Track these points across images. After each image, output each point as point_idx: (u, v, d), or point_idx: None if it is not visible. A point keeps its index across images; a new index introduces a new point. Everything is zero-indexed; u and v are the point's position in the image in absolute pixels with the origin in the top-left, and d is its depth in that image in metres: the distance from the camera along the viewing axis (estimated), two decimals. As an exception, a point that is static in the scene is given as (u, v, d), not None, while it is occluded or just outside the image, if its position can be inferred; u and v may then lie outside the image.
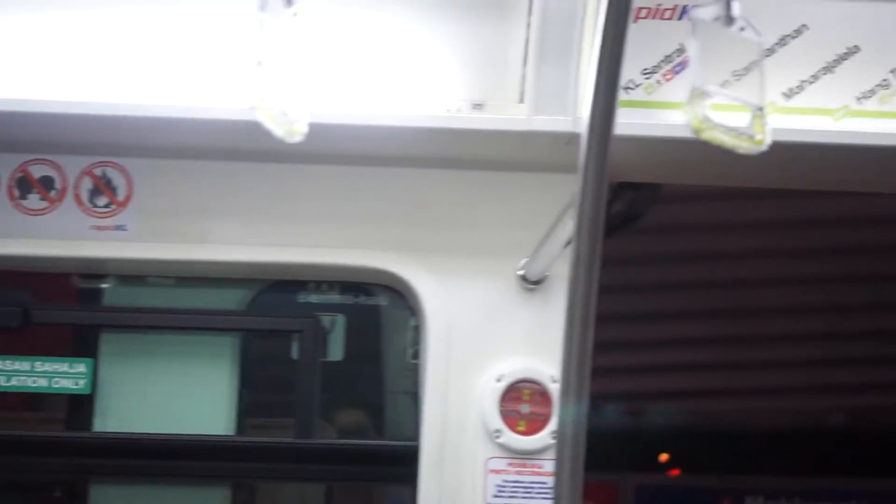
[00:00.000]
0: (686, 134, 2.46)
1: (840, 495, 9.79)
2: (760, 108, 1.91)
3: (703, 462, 9.90)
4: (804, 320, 8.71)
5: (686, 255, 8.03)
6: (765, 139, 1.90)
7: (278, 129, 1.83)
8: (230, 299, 2.96)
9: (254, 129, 1.83)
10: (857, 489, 9.85)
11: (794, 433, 9.72)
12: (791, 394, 9.56)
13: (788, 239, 7.95)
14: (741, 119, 1.92)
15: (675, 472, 10.33)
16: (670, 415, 9.63)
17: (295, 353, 2.92)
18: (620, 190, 6.31)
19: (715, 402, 9.64)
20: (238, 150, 2.71)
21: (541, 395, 2.78)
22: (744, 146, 1.89)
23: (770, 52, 2.58)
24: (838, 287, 8.39)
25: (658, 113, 2.57)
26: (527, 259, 2.76)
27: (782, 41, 2.58)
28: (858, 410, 9.67)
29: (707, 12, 1.88)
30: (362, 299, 3.02)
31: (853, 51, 2.61)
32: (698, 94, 1.83)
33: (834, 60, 2.61)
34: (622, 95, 2.56)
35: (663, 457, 10.43)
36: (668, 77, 2.57)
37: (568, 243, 2.33)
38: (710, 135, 1.85)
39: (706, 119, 1.85)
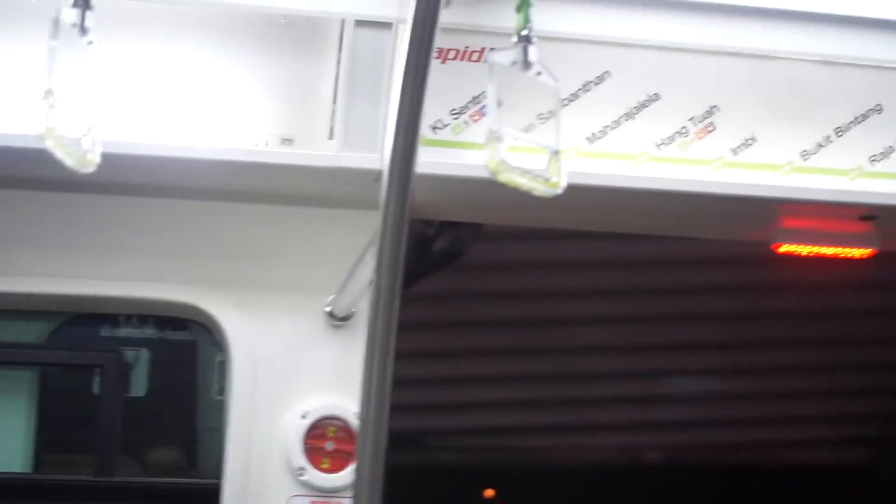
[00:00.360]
0: (486, 174, 2.51)
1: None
2: (556, 152, 1.95)
3: (528, 499, 9.99)
4: (623, 358, 8.91)
5: (508, 293, 8.13)
6: (560, 182, 1.95)
7: (69, 159, 1.79)
8: (28, 332, 2.88)
9: (46, 158, 1.79)
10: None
11: (615, 469, 9.90)
12: (611, 430, 9.74)
13: (608, 278, 8.12)
14: (538, 162, 1.96)
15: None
16: (495, 451, 9.70)
17: (96, 387, 2.85)
18: (443, 228, 6.40)
19: (539, 439, 9.75)
20: (36, 179, 2.63)
21: (346, 432, 2.77)
22: (539, 188, 1.92)
23: (574, 97, 2.64)
24: (656, 326, 8.62)
25: (465, 153, 2.60)
26: (334, 296, 2.76)
27: (586, 87, 2.64)
28: (675, 447, 9.90)
29: (504, 56, 1.92)
30: (168, 334, 2.97)
31: (654, 98, 2.68)
32: (494, 136, 1.86)
33: (635, 107, 2.68)
34: (430, 135, 2.60)
35: (488, 492, 10.49)
36: (476, 118, 2.60)
37: (371, 282, 2.35)
38: (506, 177, 1.88)
39: (503, 161, 1.88)
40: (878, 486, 10.15)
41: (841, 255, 3.04)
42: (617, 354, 8.82)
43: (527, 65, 1.93)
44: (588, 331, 8.58)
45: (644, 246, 7.59)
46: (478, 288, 8.06)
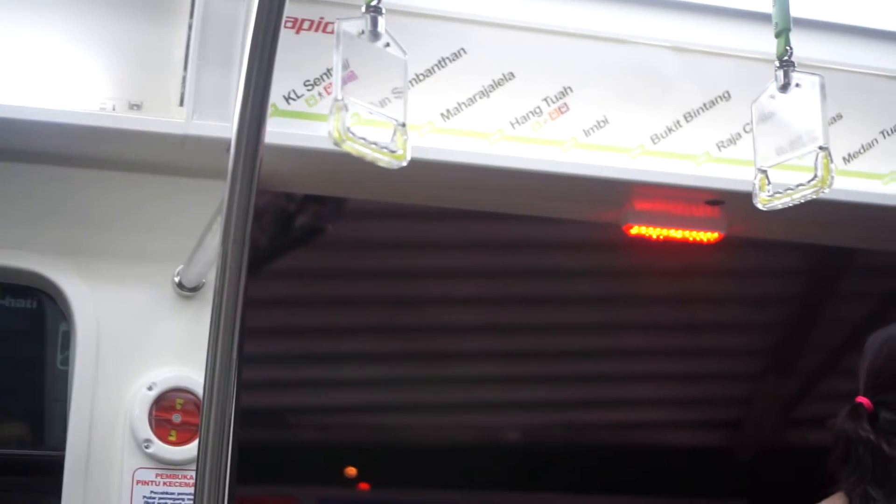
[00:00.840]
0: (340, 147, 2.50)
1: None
2: (402, 125, 1.95)
3: (388, 476, 10.03)
4: (482, 338, 8.97)
5: (369, 271, 8.13)
6: (405, 154, 1.94)
7: None
8: None
9: None
10: (526, 501, 10.21)
11: (475, 448, 9.98)
12: (472, 410, 9.81)
13: (467, 258, 8.17)
14: (384, 133, 1.96)
15: (362, 486, 10.41)
16: (356, 429, 9.70)
17: (-69, 357, 2.77)
18: (305, 203, 6.36)
19: (399, 418, 9.78)
20: None
21: (194, 404, 2.73)
22: (383, 160, 1.92)
23: (430, 73, 2.64)
24: (516, 307, 8.70)
25: (318, 125, 2.58)
26: (182, 266, 2.71)
27: (441, 63, 2.65)
28: (534, 427, 10.03)
29: (352, 25, 1.91)
30: (11, 302, 2.89)
31: (509, 77, 2.71)
32: (339, 105, 1.85)
33: (490, 85, 2.70)
34: (284, 105, 2.58)
35: (350, 471, 10.48)
36: (330, 90, 2.57)
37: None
38: (350, 146, 1.87)
39: (348, 130, 1.87)
40: (733, 467, 10.43)
41: (690, 239, 3.10)
42: (476, 335, 8.89)
43: (375, 35, 1.92)
44: (448, 310, 8.63)
45: (504, 226, 7.66)
46: (340, 265, 8.04)
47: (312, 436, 9.56)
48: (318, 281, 8.13)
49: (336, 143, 1.86)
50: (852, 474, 2.50)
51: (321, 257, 7.89)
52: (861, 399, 2.54)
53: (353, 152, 1.86)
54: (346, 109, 1.85)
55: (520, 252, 8.14)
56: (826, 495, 2.51)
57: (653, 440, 10.29)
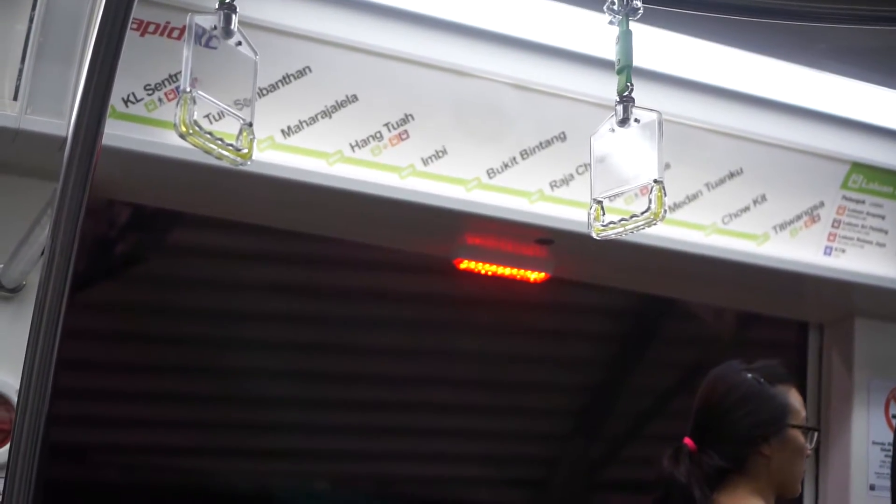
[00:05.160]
0: (176, 155, 2.47)
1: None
2: (249, 124, 1.93)
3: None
4: (297, 385, 8.88)
5: (182, 310, 7.97)
6: (250, 154, 1.92)
7: None
8: None
9: None
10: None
11: (286, 495, 9.86)
12: (282, 457, 9.68)
13: (286, 304, 8.10)
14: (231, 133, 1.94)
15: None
16: (156, 470, 9.45)
17: None
18: (125, 232, 6.23)
19: (206, 461, 9.58)
20: None
21: (6, 409, 2.63)
22: (229, 157, 1.89)
23: (273, 88, 2.63)
24: (332, 355, 8.66)
25: (156, 130, 2.54)
26: (2, 265, 2.62)
27: (286, 80, 2.64)
28: (341, 476, 9.96)
29: (205, 20, 1.88)
30: None
31: (352, 100, 2.71)
32: (187, 98, 1.82)
33: (333, 106, 2.70)
34: (122, 108, 2.53)
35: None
36: (171, 97, 2.55)
37: (43, 252, 2.24)
38: (195, 140, 1.84)
39: (195, 124, 1.84)
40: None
41: (518, 277, 3.15)
42: (287, 380, 8.78)
43: (227, 32, 1.90)
44: (259, 355, 8.52)
45: (323, 273, 7.64)
46: (152, 301, 7.86)
47: (114, 476, 9.27)
48: (125, 315, 7.93)
49: (181, 136, 1.82)
50: (667, 516, 2.56)
51: (133, 290, 7.71)
52: (686, 440, 2.60)
53: (199, 146, 1.83)
54: (194, 103, 1.83)
55: (334, 299, 8.11)
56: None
57: (459, 496, 10.33)
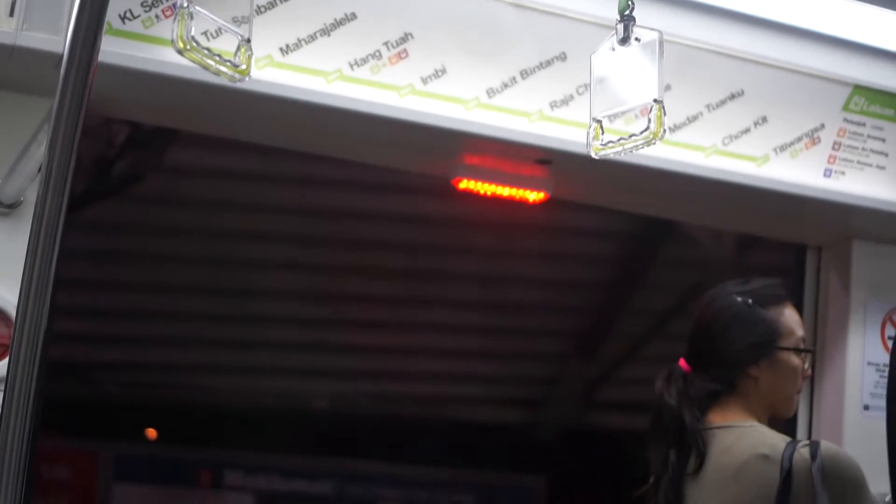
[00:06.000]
0: (174, 72, 2.45)
1: (313, 473, 10.14)
2: (248, 40, 1.92)
3: (186, 435, 9.91)
4: (297, 305, 8.94)
5: (183, 229, 8.01)
6: (248, 70, 1.91)
7: None
8: None
9: None
10: (330, 467, 10.26)
11: (282, 413, 9.95)
12: (279, 375, 9.77)
13: (288, 224, 8.13)
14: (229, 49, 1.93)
15: (157, 444, 10.25)
16: (156, 387, 9.54)
17: None
18: (124, 150, 6.22)
19: (206, 379, 9.67)
20: None
21: (4, 323, 2.65)
22: (226, 73, 1.89)
23: (271, 5, 2.61)
24: (333, 276, 8.70)
25: (153, 48, 2.52)
26: (0, 181, 2.62)
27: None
28: (341, 395, 10.05)
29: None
30: None
31: (351, 17, 2.69)
32: (184, 13, 1.81)
33: (332, 24, 2.68)
34: (119, 25, 2.51)
35: (150, 430, 10.32)
36: (168, 14, 2.52)
37: (41, 168, 2.24)
38: (193, 55, 1.83)
39: (192, 40, 1.83)
40: (535, 444, 10.66)
41: (517, 198, 3.14)
42: (287, 300, 8.85)
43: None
44: (260, 274, 8.56)
45: (324, 194, 7.66)
46: (152, 220, 7.89)
47: (115, 392, 9.37)
48: (128, 235, 7.95)
49: (179, 52, 1.81)
50: (656, 437, 2.57)
51: (132, 210, 7.72)
52: (681, 361, 2.61)
53: (196, 62, 1.83)
54: (191, 18, 1.81)
55: (336, 220, 8.13)
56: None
57: (457, 414, 10.43)
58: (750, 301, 2.58)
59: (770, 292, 2.63)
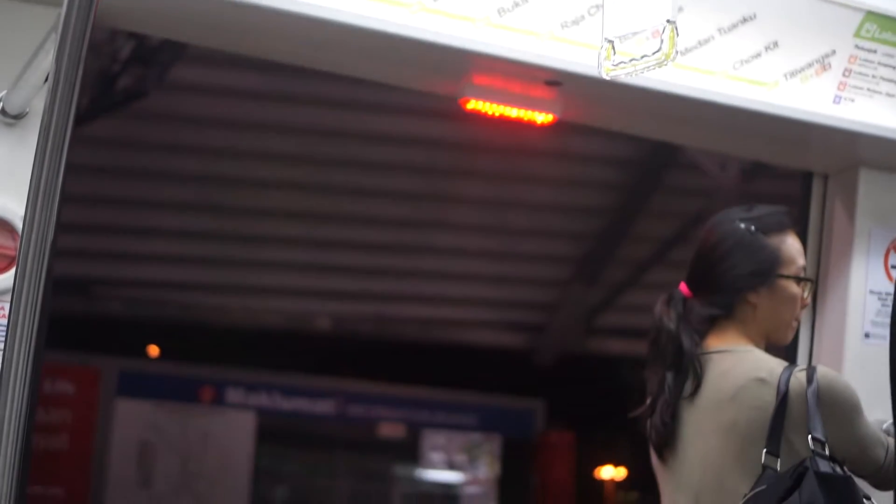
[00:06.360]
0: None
1: (315, 392, 10.23)
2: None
3: (189, 352, 10.00)
4: (302, 225, 8.96)
5: (187, 146, 8.00)
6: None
7: None
8: None
9: None
10: (331, 386, 10.35)
11: (283, 333, 10.01)
12: (281, 295, 9.81)
13: (292, 144, 8.11)
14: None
15: (160, 361, 10.33)
16: (159, 305, 9.59)
17: None
18: (128, 66, 6.18)
19: (205, 296, 9.71)
20: None
21: (10, 234, 2.65)
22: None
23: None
24: (337, 196, 8.70)
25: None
26: (6, 91, 2.60)
27: None
28: (343, 316, 10.10)
29: None
30: None
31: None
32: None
33: (341, -62, 2.65)
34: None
35: (152, 347, 10.40)
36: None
37: (47, 78, 2.22)
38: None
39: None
40: (534, 368, 10.74)
41: (525, 120, 3.12)
42: (292, 220, 8.87)
43: None
44: (265, 194, 8.57)
45: (327, 113, 7.63)
46: (156, 137, 7.87)
47: (118, 309, 9.42)
48: (133, 151, 7.94)
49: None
50: (655, 359, 2.58)
51: (137, 127, 7.70)
52: (681, 285, 2.61)
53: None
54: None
55: (341, 140, 8.11)
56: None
57: (459, 337, 10.50)
58: (753, 228, 2.58)
59: (773, 220, 2.63)
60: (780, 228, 2.62)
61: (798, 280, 2.60)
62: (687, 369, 2.52)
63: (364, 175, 8.51)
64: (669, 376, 2.54)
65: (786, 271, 2.58)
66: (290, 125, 7.88)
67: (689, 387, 2.51)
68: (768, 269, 2.57)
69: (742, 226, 2.59)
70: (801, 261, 2.62)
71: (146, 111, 7.13)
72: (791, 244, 2.62)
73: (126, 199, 8.43)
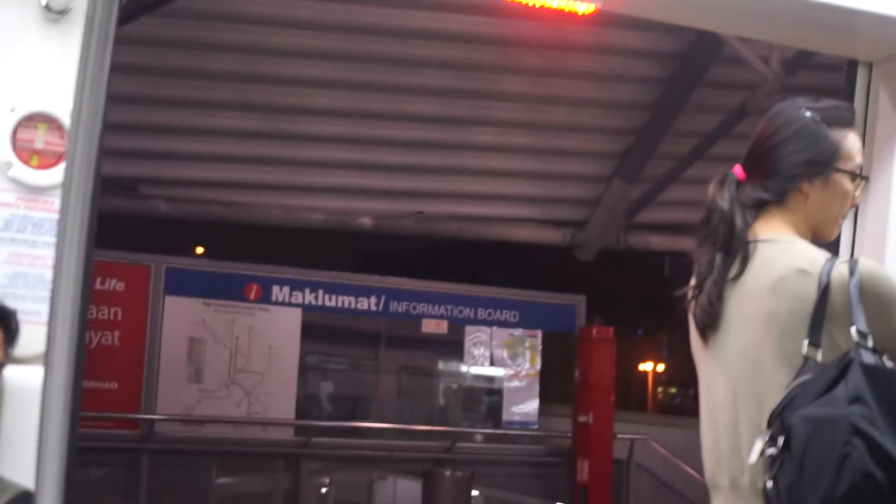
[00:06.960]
0: None
1: (358, 290, 10.31)
2: None
3: (234, 251, 10.10)
4: (344, 124, 8.96)
5: (229, 46, 7.98)
6: None
7: None
8: None
9: None
10: (374, 284, 10.43)
11: (327, 231, 10.07)
12: (326, 193, 9.84)
13: (334, 42, 8.08)
14: None
15: (206, 259, 10.41)
16: (204, 204, 9.65)
17: None
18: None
19: (252, 196, 9.76)
20: None
21: (58, 130, 2.68)
22: None
23: None
24: (378, 95, 8.68)
25: None
26: (51, -13, 2.62)
27: None
28: (385, 214, 10.13)
29: None
30: None
31: None
32: None
33: None
34: None
35: (199, 246, 10.49)
36: None
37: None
38: None
39: None
40: (575, 264, 10.77)
41: (566, 10, 3.11)
42: (334, 119, 8.86)
43: None
44: (307, 93, 8.55)
45: (367, 9, 7.58)
46: (200, 37, 7.86)
47: (164, 208, 9.49)
48: (175, 51, 7.94)
49: None
50: (706, 240, 2.57)
51: (180, 27, 7.69)
52: (736, 167, 2.59)
53: None
54: None
55: (380, 38, 8.07)
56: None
57: (499, 234, 10.51)
58: (818, 118, 2.55)
59: (838, 114, 2.59)
60: (844, 123, 2.58)
61: (854, 177, 2.57)
62: (736, 250, 2.52)
63: (403, 73, 8.48)
64: (719, 257, 2.52)
65: (843, 166, 2.55)
66: (328, 23, 7.84)
67: (736, 268, 2.50)
68: (826, 161, 2.54)
69: (808, 114, 2.55)
70: (858, 158, 2.59)
71: (190, 9, 7.11)
72: (852, 140, 2.59)
73: (170, 100, 8.46)
